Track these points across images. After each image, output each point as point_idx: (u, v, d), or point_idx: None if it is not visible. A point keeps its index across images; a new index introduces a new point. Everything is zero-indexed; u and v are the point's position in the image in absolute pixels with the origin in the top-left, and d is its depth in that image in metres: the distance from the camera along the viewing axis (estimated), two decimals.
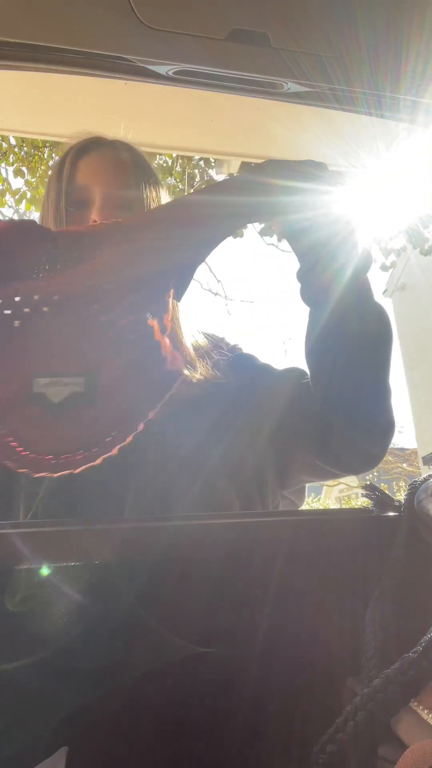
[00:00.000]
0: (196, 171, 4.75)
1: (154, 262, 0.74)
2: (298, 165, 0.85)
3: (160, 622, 0.73)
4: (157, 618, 0.73)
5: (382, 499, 0.79)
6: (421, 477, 0.74)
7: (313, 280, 0.95)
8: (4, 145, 4.40)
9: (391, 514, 0.78)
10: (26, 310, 0.67)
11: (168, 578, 0.74)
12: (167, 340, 0.72)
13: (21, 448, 0.70)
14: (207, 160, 4.68)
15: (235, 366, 1.12)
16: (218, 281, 12.33)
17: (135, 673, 0.71)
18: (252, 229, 5.34)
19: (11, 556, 0.70)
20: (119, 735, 0.57)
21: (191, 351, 1.06)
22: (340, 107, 1.07)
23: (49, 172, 1.08)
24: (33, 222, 0.73)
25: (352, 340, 0.94)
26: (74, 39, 0.87)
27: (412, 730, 0.51)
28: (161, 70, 0.93)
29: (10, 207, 4.77)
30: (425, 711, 0.51)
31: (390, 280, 16.03)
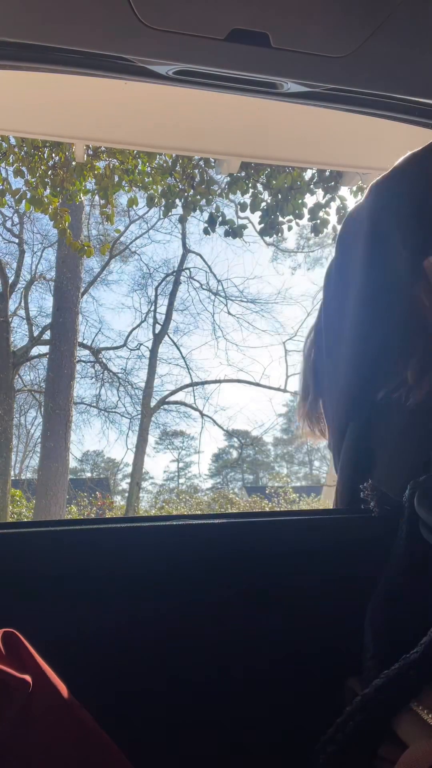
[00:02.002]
0: (196, 171, 4.75)
1: None
2: None
3: (161, 619, 0.73)
4: (158, 616, 0.73)
5: (382, 499, 0.79)
6: (421, 477, 0.73)
7: None
8: (4, 145, 4.41)
9: (391, 514, 0.78)
10: None
11: (168, 576, 0.74)
12: None
13: None
14: (207, 160, 4.68)
15: None
16: (218, 281, 12.32)
17: (134, 670, 0.71)
18: (252, 230, 5.34)
19: (11, 555, 0.70)
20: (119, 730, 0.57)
21: None
22: (340, 107, 1.07)
23: None
24: None
25: None
26: (74, 39, 0.87)
27: (412, 730, 0.51)
28: (161, 70, 0.93)
29: (10, 207, 4.77)
30: (425, 711, 0.51)
31: None
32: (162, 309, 12.49)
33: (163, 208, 5.05)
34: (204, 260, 12.38)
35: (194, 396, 12.70)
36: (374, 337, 0.88)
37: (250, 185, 4.81)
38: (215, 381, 12.81)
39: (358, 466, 0.88)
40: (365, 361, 0.88)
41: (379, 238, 0.84)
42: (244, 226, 5.34)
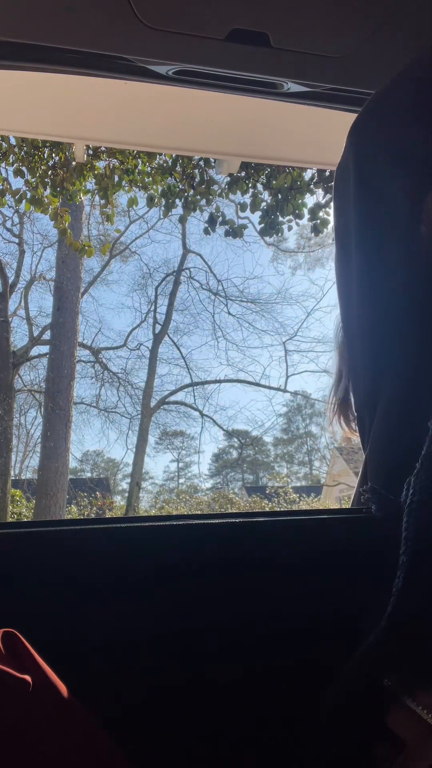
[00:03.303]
0: (196, 171, 4.75)
1: None
2: None
3: (161, 619, 0.73)
4: (158, 615, 0.73)
5: (381, 499, 0.79)
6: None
7: None
8: (4, 145, 4.41)
9: (391, 514, 0.78)
10: None
11: (168, 576, 0.74)
12: None
13: None
14: (207, 160, 4.68)
15: None
16: (218, 281, 12.33)
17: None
18: (252, 229, 5.34)
19: (11, 555, 0.70)
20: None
21: None
22: (340, 107, 1.07)
23: None
24: None
25: None
26: (74, 39, 0.87)
27: (411, 729, 0.51)
28: (161, 70, 0.93)
29: (10, 207, 4.77)
30: (425, 711, 0.51)
31: None
32: (162, 309, 12.50)
33: (163, 208, 5.05)
34: (204, 260, 12.40)
35: (194, 396, 12.72)
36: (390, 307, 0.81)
37: (250, 185, 4.81)
38: (215, 381, 12.82)
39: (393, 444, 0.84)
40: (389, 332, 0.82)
41: (370, 192, 0.79)
42: (245, 226, 5.34)
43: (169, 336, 12.61)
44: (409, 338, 0.81)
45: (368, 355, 0.85)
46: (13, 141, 4.41)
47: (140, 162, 4.59)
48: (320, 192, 4.88)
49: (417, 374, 0.81)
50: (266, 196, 4.91)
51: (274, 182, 4.72)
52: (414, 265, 0.79)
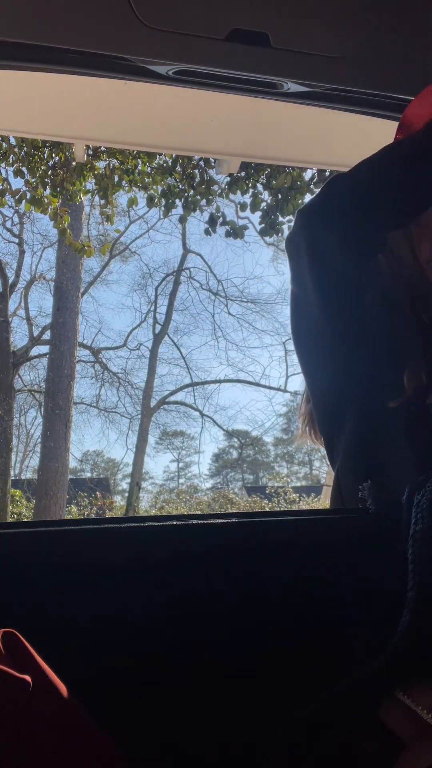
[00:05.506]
0: (196, 171, 4.75)
1: None
2: None
3: (161, 619, 0.73)
4: (158, 615, 0.73)
5: (381, 499, 0.79)
6: (421, 477, 0.73)
7: None
8: (4, 145, 4.41)
9: (390, 513, 0.78)
10: None
11: (168, 576, 0.74)
12: None
13: None
14: (207, 160, 4.68)
15: None
16: (218, 281, 12.33)
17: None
18: (252, 230, 5.34)
19: (11, 555, 0.70)
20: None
21: None
22: (340, 107, 1.07)
23: None
24: None
25: None
26: (74, 39, 0.87)
27: (410, 729, 0.51)
28: (161, 70, 0.93)
29: (10, 207, 4.77)
30: (425, 711, 0.51)
31: None
32: (162, 309, 12.50)
33: (163, 208, 5.05)
34: (204, 260, 12.40)
35: (194, 396, 12.72)
36: (359, 344, 0.91)
37: (250, 185, 4.81)
38: (215, 381, 12.83)
39: (359, 471, 0.91)
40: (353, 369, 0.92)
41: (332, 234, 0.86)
42: (245, 227, 5.34)
43: (169, 336, 12.62)
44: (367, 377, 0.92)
45: (329, 403, 0.98)
46: (13, 141, 4.41)
47: (140, 162, 4.59)
48: None
49: (375, 410, 0.92)
50: (266, 196, 4.91)
51: (274, 182, 4.72)
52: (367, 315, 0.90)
